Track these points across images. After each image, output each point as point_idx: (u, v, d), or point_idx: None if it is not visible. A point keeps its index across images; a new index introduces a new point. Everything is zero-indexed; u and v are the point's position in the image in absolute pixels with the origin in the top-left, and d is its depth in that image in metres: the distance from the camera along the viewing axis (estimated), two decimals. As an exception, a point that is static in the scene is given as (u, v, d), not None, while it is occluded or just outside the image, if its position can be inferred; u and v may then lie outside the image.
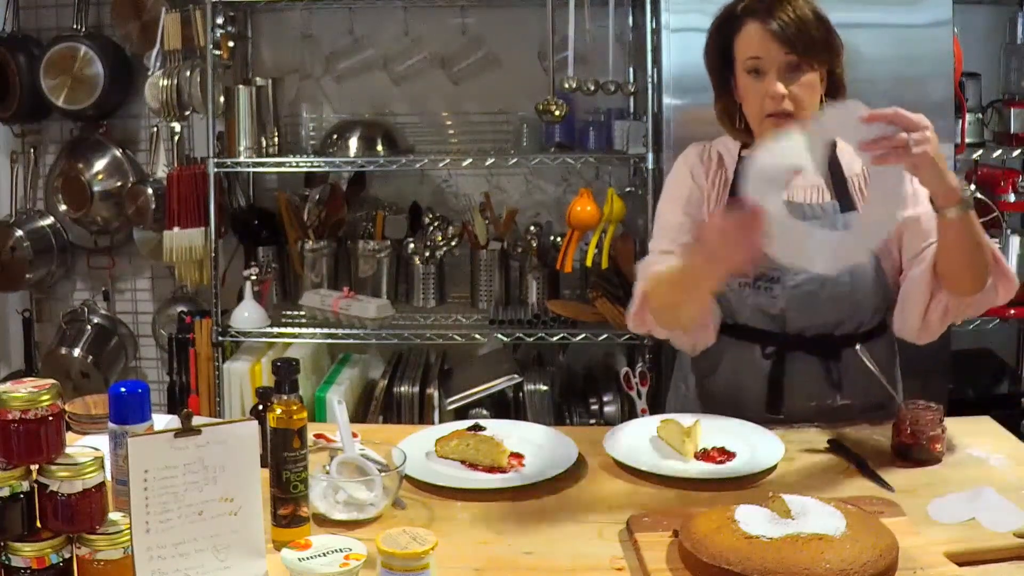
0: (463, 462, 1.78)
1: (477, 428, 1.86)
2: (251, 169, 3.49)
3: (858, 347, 1.96)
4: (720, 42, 2.01)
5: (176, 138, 3.47)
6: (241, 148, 3.33)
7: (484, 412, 3.08)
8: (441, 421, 3.10)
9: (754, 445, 1.83)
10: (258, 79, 3.44)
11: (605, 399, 3.27)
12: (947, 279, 1.88)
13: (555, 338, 3.21)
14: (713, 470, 1.75)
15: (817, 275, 1.93)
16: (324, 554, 1.33)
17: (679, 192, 2.10)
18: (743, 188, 1.71)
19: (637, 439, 1.88)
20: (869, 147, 1.66)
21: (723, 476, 1.72)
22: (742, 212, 1.69)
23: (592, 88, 3.13)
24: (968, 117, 3.09)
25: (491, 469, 1.76)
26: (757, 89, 1.95)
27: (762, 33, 1.93)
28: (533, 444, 1.85)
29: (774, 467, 1.75)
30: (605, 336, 3.18)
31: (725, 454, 1.81)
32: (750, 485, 1.70)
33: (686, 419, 1.85)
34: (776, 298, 1.98)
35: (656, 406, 3.03)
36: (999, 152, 3.15)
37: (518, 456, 1.80)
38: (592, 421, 3.24)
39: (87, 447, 1.33)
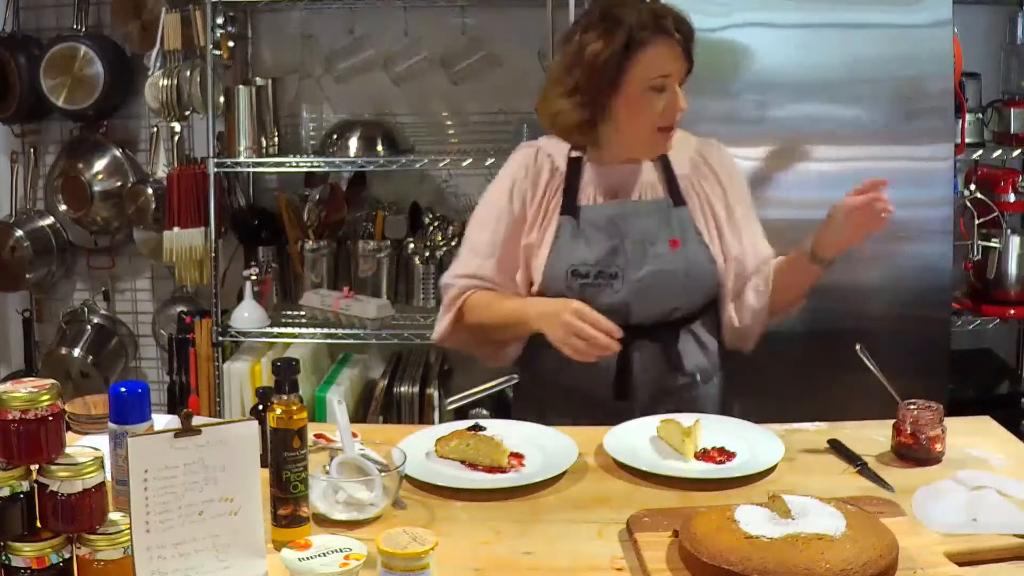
0: (463, 462, 1.78)
1: (477, 428, 1.87)
2: (251, 169, 3.49)
3: (858, 347, 1.96)
4: (618, 61, 2.01)
5: (176, 138, 3.47)
6: (241, 148, 3.33)
7: (484, 412, 3.08)
8: (441, 421, 3.10)
9: (754, 445, 1.83)
10: (258, 79, 3.44)
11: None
12: (779, 302, 2.16)
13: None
14: (713, 470, 1.75)
15: (657, 268, 2.06)
16: (324, 554, 1.33)
17: (498, 209, 2.16)
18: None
19: (637, 439, 1.88)
20: (856, 214, 1.97)
21: (723, 476, 1.72)
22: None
23: (592, 88, 3.12)
24: (968, 117, 3.09)
25: (491, 469, 1.76)
26: (656, 104, 2.04)
27: (672, 49, 2.02)
28: (533, 444, 1.85)
29: (774, 467, 1.75)
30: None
31: (725, 454, 1.81)
32: (750, 484, 1.70)
33: (686, 419, 1.85)
34: (618, 292, 2.06)
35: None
36: (999, 152, 3.15)
37: (518, 456, 1.80)
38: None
39: (87, 447, 1.33)
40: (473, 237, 2.19)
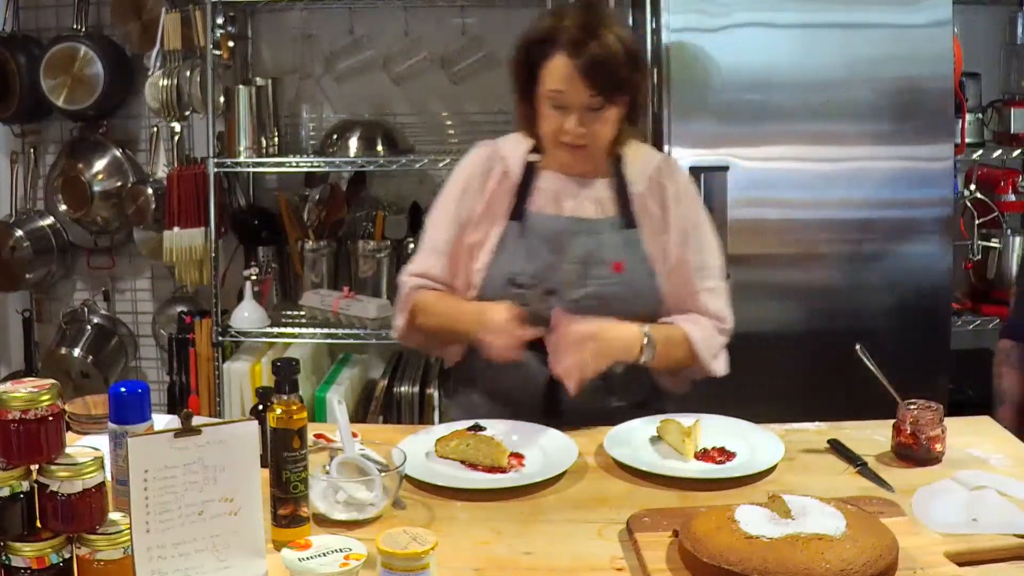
0: (463, 462, 1.78)
1: (477, 428, 1.87)
2: (251, 169, 3.49)
3: (858, 347, 1.96)
4: (527, 59, 1.99)
5: (176, 138, 3.47)
6: (241, 148, 3.33)
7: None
8: (441, 421, 3.10)
9: (754, 445, 1.83)
10: (258, 79, 3.44)
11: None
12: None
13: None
14: (713, 470, 1.75)
15: (595, 290, 2.00)
16: (324, 554, 1.33)
17: (451, 206, 2.11)
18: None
19: (637, 439, 1.88)
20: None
21: (723, 476, 1.72)
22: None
23: (592, 88, 3.12)
24: (968, 117, 3.10)
25: (491, 469, 1.76)
26: (556, 119, 1.97)
27: (569, 69, 1.91)
28: (533, 444, 1.85)
29: (774, 467, 1.75)
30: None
31: (725, 454, 1.81)
32: (750, 484, 1.70)
33: (686, 419, 1.85)
34: (552, 309, 1.96)
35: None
36: (999, 152, 3.15)
37: (518, 456, 1.80)
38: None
39: (87, 447, 1.33)
40: (427, 235, 2.13)
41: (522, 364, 1.98)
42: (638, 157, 2.10)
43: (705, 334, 2.04)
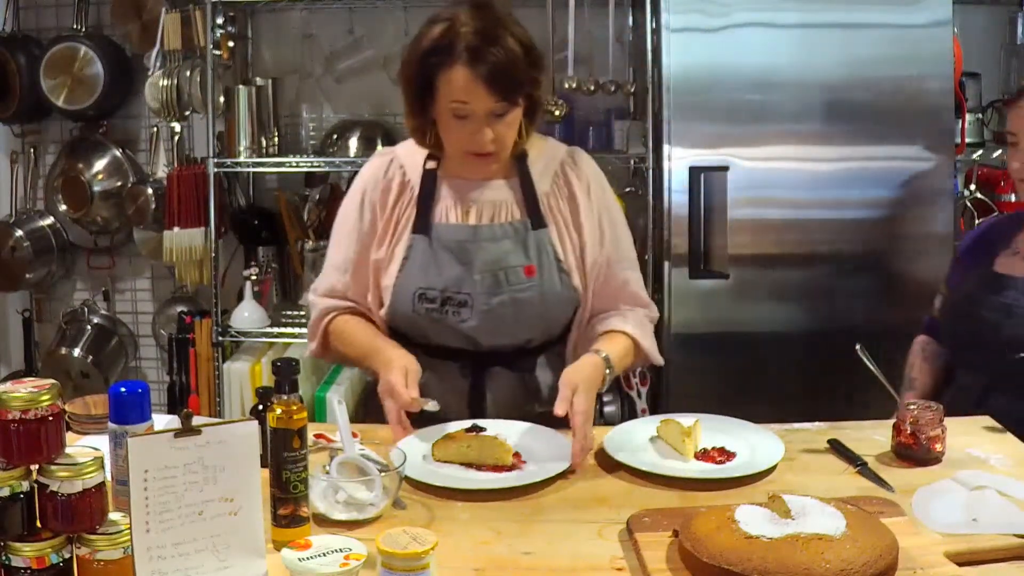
0: (467, 464, 1.78)
1: (476, 429, 1.86)
2: (251, 169, 3.49)
3: (858, 347, 1.96)
4: (422, 70, 1.87)
5: (176, 138, 3.47)
6: (241, 148, 3.33)
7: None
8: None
9: (754, 445, 1.83)
10: (258, 79, 3.44)
11: (605, 399, 3.27)
12: None
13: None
14: (713, 470, 1.75)
15: (509, 297, 1.95)
16: (324, 554, 1.33)
17: (350, 223, 2.05)
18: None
19: (637, 439, 1.88)
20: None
21: (723, 476, 1.72)
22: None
23: (592, 88, 3.13)
24: (968, 117, 3.10)
25: (497, 468, 1.75)
26: (461, 129, 1.88)
27: (470, 79, 1.82)
28: (533, 444, 1.85)
29: (774, 467, 1.75)
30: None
31: (725, 454, 1.81)
32: (750, 484, 1.70)
33: (686, 419, 1.85)
34: (466, 320, 1.95)
35: (656, 407, 3.03)
36: (999, 152, 3.16)
37: (517, 455, 1.80)
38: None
39: (87, 447, 1.33)
40: (330, 252, 2.08)
41: (446, 373, 1.98)
42: (542, 154, 2.04)
43: (644, 330, 2.04)
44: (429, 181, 2.00)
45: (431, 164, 2.01)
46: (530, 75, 1.88)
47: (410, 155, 2.04)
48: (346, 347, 2.02)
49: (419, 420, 1.86)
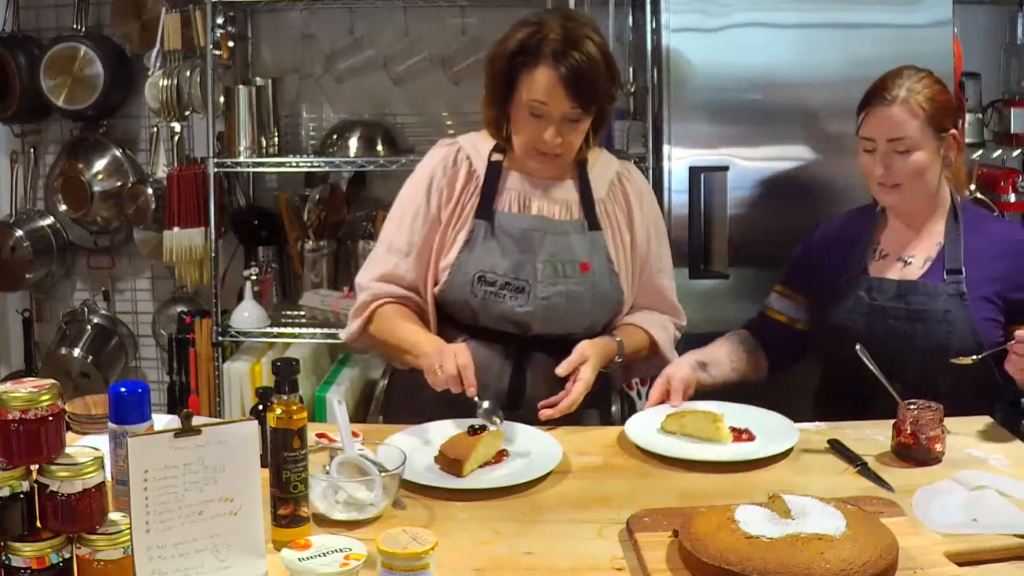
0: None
1: (476, 430, 1.84)
2: (251, 169, 3.49)
3: (858, 347, 1.96)
4: (507, 68, 2.01)
5: (176, 138, 3.47)
6: (241, 148, 3.33)
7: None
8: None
9: (758, 421, 1.91)
10: (258, 79, 3.44)
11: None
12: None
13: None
14: (755, 448, 1.82)
15: (565, 288, 2.06)
16: (324, 554, 1.33)
17: (415, 206, 2.12)
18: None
19: (647, 435, 1.90)
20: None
21: (767, 455, 1.78)
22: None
23: (592, 88, 3.12)
24: (968, 117, 3.10)
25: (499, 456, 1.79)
26: (534, 128, 2.01)
27: (553, 80, 1.95)
28: (532, 444, 1.85)
29: (790, 450, 1.80)
30: (605, 336, 3.18)
31: (748, 434, 1.88)
32: (750, 484, 1.70)
33: (700, 407, 1.93)
34: (522, 306, 2.04)
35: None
36: (999, 152, 3.16)
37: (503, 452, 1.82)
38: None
39: (87, 447, 1.33)
40: (390, 235, 2.14)
41: (489, 354, 2.05)
42: (598, 162, 2.17)
43: (667, 334, 2.19)
44: (494, 172, 2.10)
45: (497, 156, 2.12)
46: (608, 88, 2.01)
47: (473, 147, 2.15)
48: (389, 334, 2.08)
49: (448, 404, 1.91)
